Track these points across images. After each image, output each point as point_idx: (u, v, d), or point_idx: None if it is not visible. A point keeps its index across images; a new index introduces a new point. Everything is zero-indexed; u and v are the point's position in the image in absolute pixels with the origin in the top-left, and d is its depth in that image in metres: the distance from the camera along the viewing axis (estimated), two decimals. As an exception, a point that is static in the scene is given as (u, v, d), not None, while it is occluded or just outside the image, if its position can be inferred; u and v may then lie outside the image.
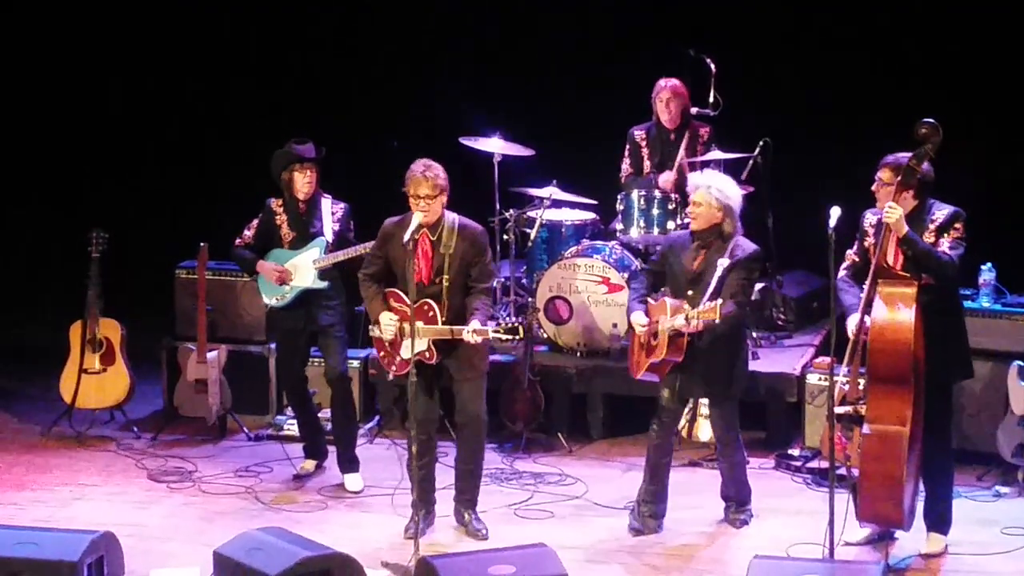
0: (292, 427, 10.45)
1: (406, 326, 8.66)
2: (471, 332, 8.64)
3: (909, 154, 8.32)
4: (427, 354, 8.66)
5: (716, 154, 10.76)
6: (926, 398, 8.31)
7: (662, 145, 11.00)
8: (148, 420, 11.02)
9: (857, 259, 8.63)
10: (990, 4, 11.57)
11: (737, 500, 9.17)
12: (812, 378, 10.17)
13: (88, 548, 8.08)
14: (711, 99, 10.97)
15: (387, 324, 8.82)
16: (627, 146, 11.06)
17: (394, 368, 8.98)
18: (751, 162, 10.86)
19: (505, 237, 10.99)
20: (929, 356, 8.28)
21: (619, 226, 10.87)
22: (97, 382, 10.73)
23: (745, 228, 10.72)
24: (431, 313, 8.70)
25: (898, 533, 8.72)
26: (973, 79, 11.62)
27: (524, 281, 11.13)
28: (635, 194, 10.78)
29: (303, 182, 9.69)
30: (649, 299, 9.00)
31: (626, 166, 11.07)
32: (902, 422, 8.22)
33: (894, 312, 8.21)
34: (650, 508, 9.08)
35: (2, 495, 9.69)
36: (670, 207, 10.75)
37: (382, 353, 9.02)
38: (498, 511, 9.28)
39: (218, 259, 10.77)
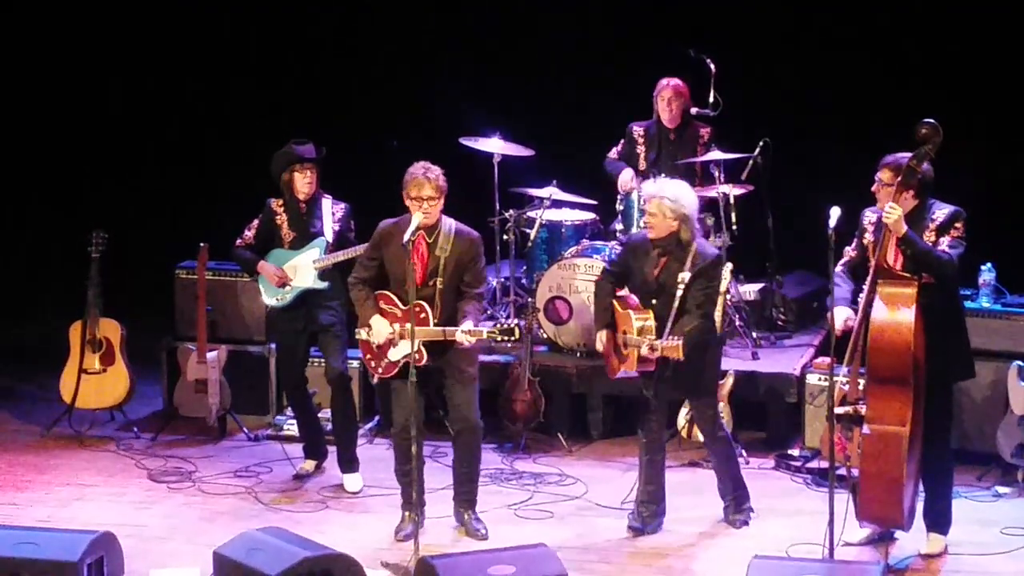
0: (292, 427, 10.45)
1: (404, 327, 8.67)
2: (464, 333, 8.63)
3: (909, 154, 8.31)
4: (416, 356, 8.61)
5: (716, 154, 10.77)
6: (927, 398, 8.31)
7: (660, 144, 11.01)
8: (148, 420, 11.02)
9: (855, 254, 8.63)
10: (990, 4, 11.57)
11: (734, 498, 9.17)
12: (812, 378, 10.16)
13: (88, 548, 8.08)
14: (711, 99, 10.98)
15: (381, 328, 8.80)
16: (623, 139, 11.07)
17: (380, 371, 8.97)
18: (751, 162, 10.86)
19: (505, 237, 10.99)
20: (930, 356, 8.28)
21: (619, 226, 10.89)
22: (97, 382, 10.73)
23: (745, 227, 10.82)
24: (423, 315, 8.68)
25: (898, 533, 8.72)
26: (973, 79, 11.62)
27: (524, 281, 11.14)
28: (635, 194, 10.78)
29: (303, 182, 9.69)
30: (615, 302, 8.98)
31: (614, 151, 11.09)
32: (902, 422, 8.22)
33: (894, 312, 8.21)
34: (649, 508, 9.09)
35: (2, 495, 9.69)
36: (670, 207, 10.75)
37: (368, 355, 9.01)
38: (498, 511, 9.28)
39: (218, 259, 10.77)
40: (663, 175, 10.88)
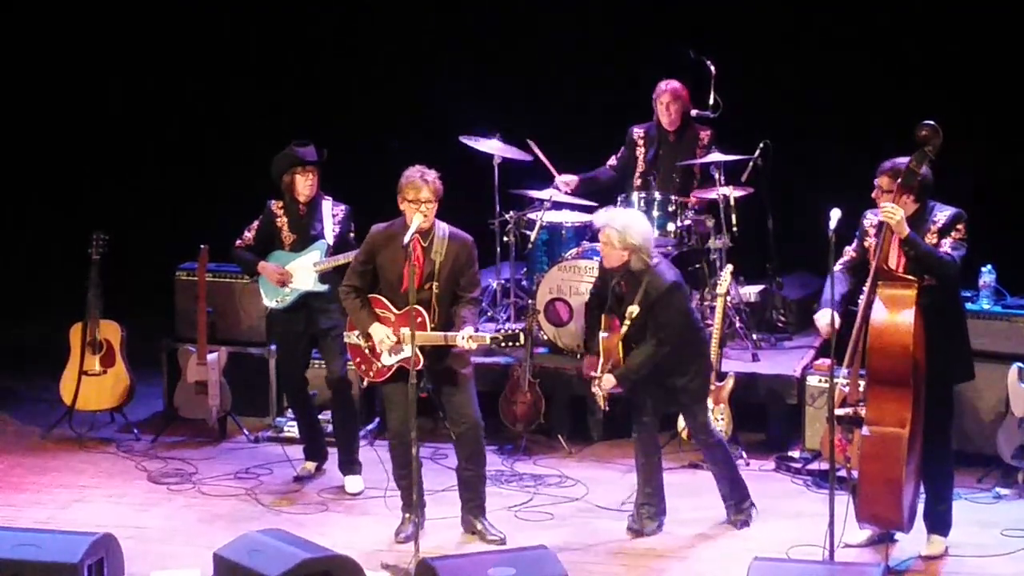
0: (292, 429, 10.45)
1: (402, 332, 8.67)
2: (466, 338, 8.62)
3: (906, 159, 8.31)
4: (412, 360, 8.56)
5: (716, 156, 10.76)
6: (927, 399, 8.30)
7: (660, 146, 11.01)
8: (148, 422, 11.02)
9: (855, 255, 8.63)
10: (990, 4, 11.57)
11: (734, 499, 9.17)
12: (812, 380, 10.16)
13: (88, 550, 8.07)
14: (711, 101, 10.98)
15: (383, 335, 8.78)
16: (623, 147, 11.08)
17: (371, 375, 8.96)
18: (751, 164, 10.86)
19: (505, 239, 10.99)
20: (930, 357, 8.28)
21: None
22: (97, 384, 10.73)
23: (745, 229, 10.82)
24: (419, 319, 8.66)
25: (898, 535, 8.72)
26: (973, 79, 11.61)
27: (524, 283, 11.13)
28: (635, 196, 10.79)
29: (304, 185, 9.69)
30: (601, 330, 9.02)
31: (612, 159, 11.10)
32: (902, 424, 8.22)
33: (894, 314, 8.21)
34: (648, 509, 9.09)
35: (2, 497, 9.69)
36: (670, 208, 10.76)
37: (358, 359, 8.99)
38: (498, 513, 9.27)
39: (218, 261, 10.76)
40: (663, 177, 11.01)
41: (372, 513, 9.42)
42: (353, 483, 9.77)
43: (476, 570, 7.87)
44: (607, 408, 9.14)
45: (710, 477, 9.36)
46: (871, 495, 8.32)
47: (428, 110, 12.36)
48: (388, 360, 8.84)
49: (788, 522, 9.19)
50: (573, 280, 10.57)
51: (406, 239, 8.52)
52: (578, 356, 10.56)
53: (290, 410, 10.40)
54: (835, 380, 8.24)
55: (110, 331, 10.74)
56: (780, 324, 11.25)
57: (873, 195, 8.46)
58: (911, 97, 11.24)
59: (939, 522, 8.67)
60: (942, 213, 8.41)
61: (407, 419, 8.62)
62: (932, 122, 8.25)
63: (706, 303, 10.68)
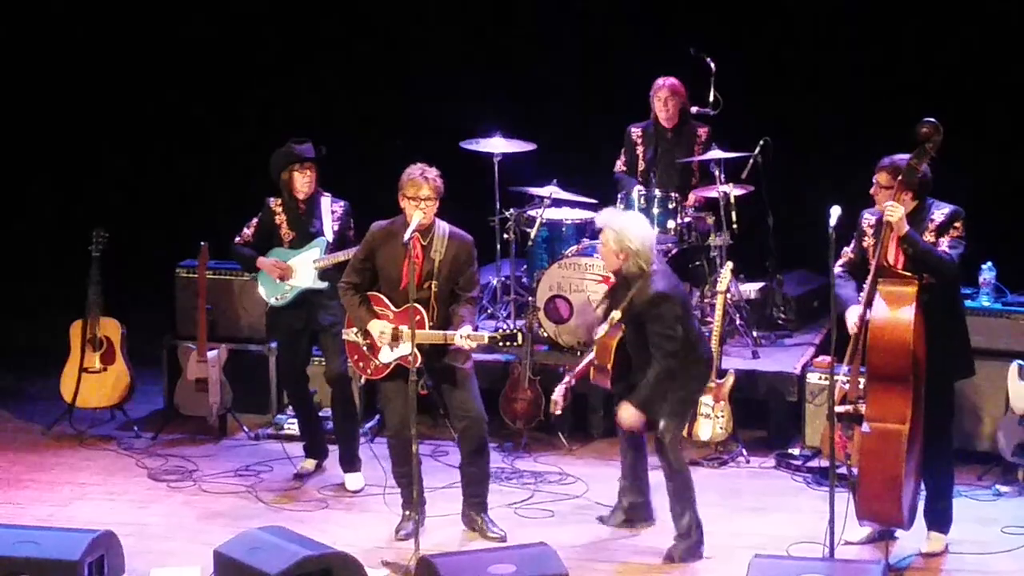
0: (292, 426, 10.45)
1: (401, 329, 8.68)
2: (464, 337, 8.62)
3: (905, 156, 8.32)
4: (410, 358, 8.57)
5: (716, 153, 10.77)
6: (927, 396, 8.31)
7: (659, 144, 11.02)
8: (148, 419, 11.01)
9: (853, 256, 8.63)
10: (990, 4, 11.57)
11: (687, 544, 8.68)
12: (812, 377, 10.16)
13: (88, 547, 8.08)
14: (711, 98, 10.98)
15: (384, 332, 8.79)
16: (623, 147, 11.09)
17: (369, 372, 8.97)
18: (751, 161, 10.86)
19: (505, 236, 10.98)
20: (930, 355, 8.28)
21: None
22: (97, 381, 10.73)
23: (745, 227, 10.82)
24: (418, 317, 8.65)
25: (898, 532, 8.72)
26: (973, 79, 11.61)
27: (524, 280, 11.13)
28: (635, 193, 10.79)
29: (303, 182, 9.69)
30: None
31: (620, 163, 11.12)
32: (902, 421, 8.22)
33: (894, 311, 8.21)
34: (628, 500, 9.04)
35: (3, 494, 9.69)
36: (670, 206, 10.76)
37: (356, 356, 9.00)
38: (499, 510, 9.26)
39: (218, 258, 10.77)
40: (662, 174, 11.02)
41: (372, 510, 9.42)
42: (353, 480, 9.77)
43: (476, 567, 7.87)
44: (559, 412, 9.07)
45: (710, 475, 9.39)
46: (871, 492, 8.33)
47: (428, 110, 12.35)
48: (386, 358, 8.84)
49: (788, 519, 9.19)
50: (573, 277, 10.57)
51: (406, 237, 8.52)
52: (578, 353, 10.56)
53: (290, 407, 10.40)
54: (835, 377, 8.24)
55: (110, 328, 10.74)
56: (780, 321, 11.25)
57: (871, 191, 8.46)
58: (911, 97, 11.23)
59: (939, 519, 8.68)
60: (940, 211, 8.41)
61: (406, 417, 8.63)
62: (933, 119, 8.25)
63: (706, 300, 10.70)
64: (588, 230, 10.99)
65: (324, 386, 9.98)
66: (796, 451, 10.12)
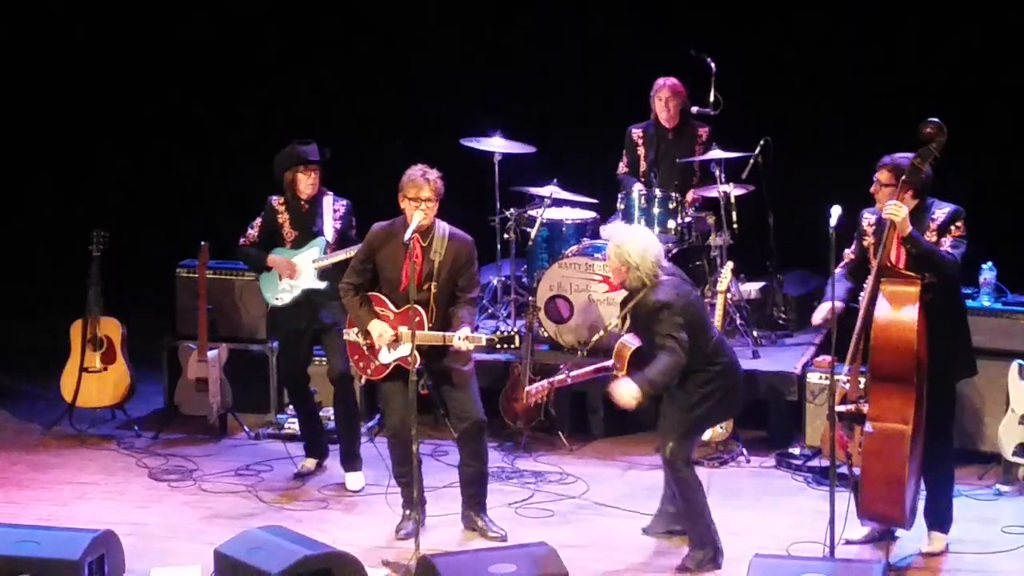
0: (293, 426, 10.45)
1: (401, 331, 8.68)
2: (462, 339, 8.62)
3: (907, 155, 8.31)
4: (409, 358, 8.57)
5: (716, 153, 10.78)
6: (929, 396, 8.30)
7: (659, 144, 11.02)
8: (149, 419, 11.02)
9: (854, 257, 8.63)
10: (990, 4, 11.57)
11: (692, 543, 8.63)
12: (813, 377, 10.16)
13: (89, 547, 8.09)
14: (712, 98, 10.98)
15: (383, 332, 8.79)
16: (624, 149, 11.09)
17: (369, 372, 8.97)
18: (751, 161, 10.87)
19: (506, 236, 10.99)
20: (932, 354, 8.28)
21: (620, 225, 10.88)
22: (98, 381, 10.74)
23: (746, 226, 10.83)
24: (417, 318, 8.64)
25: (899, 532, 8.72)
26: (973, 79, 11.61)
27: (525, 280, 11.13)
28: (636, 193, 10.79)
29: (307, 183, 9.69)
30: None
31: (622, 165, 11.13)
32: (904, 421, 8.21)
33: (898, 310, 8.20)
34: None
35: (3, 494, 9.69)
36: (671, 206, 10.77)
37: (356, 356, 9.00)
38: (499, 510, 9.27)
39: (219, 258, 10.77)
40: (663, 174, 11.02)
41: (373, 510, 9.42)
42: (354, 480, 9.77)
43: (477, 567, 7.87)
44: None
45: (710, 475, 9.36)
46: (873, 492, 8.32)
47: (428, 110, 12.36)
48: (386, 358, 8.84)
49: (789, 519, 9.19)
50: (574, 277, 10.57)
51: (406, 237, 8.52)
52: (578, 353, 10.56)
53: (291, 407, 10.39)
54: (836, 377, 8.23)
55: (111, 328, 10.74)
56: (781, 321, 11.25)
57: (872, 189, 8.46)
58: (911, 97, 11.23)
59: (940, 519, 8.68)
60: (941, 210, 8.41)
61: (405, 417, 8.63)
62: (937, 120, 8.24)
63: (707, 300, 10.67)
64: (588, 230, 11.00)
65: (325, 385, 9.98)
66: (796, 451, 10.12)
